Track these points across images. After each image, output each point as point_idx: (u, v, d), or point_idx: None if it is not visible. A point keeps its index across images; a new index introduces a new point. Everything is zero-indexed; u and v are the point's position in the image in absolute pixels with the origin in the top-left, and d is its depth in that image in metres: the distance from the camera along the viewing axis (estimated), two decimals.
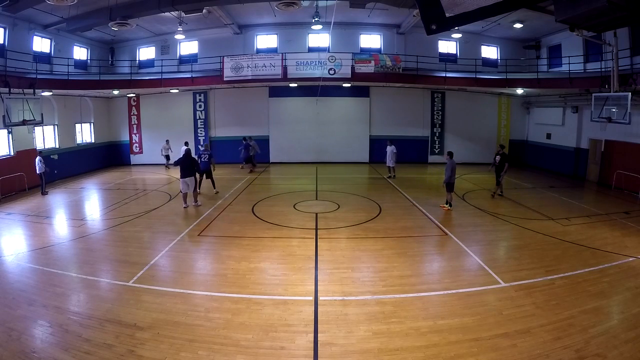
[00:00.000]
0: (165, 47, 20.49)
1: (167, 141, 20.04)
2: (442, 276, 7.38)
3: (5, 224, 10.63)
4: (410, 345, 5.05)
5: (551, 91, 17.53)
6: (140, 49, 21.03)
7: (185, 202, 12.07)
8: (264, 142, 21.42)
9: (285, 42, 19.85)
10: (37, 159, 14.18)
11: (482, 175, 18.01)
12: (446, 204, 11.93)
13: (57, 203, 13.31)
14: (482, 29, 18.45)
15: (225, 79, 17.57)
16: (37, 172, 14.14)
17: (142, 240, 9.40)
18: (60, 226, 10.73)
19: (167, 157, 19.81)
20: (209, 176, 14.20)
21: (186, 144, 17.84)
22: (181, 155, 12.46)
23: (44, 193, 14.32)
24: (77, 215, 11.74)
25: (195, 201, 12.34)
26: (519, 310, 5.83)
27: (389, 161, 17.05)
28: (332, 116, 21.30)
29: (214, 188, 14.30)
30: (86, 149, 19.58)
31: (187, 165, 11.92)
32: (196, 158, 13.11)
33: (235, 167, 20.29)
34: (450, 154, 11.98)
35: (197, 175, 12.52)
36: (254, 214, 11.46)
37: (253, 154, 19.43)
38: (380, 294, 6.47)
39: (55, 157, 16.69)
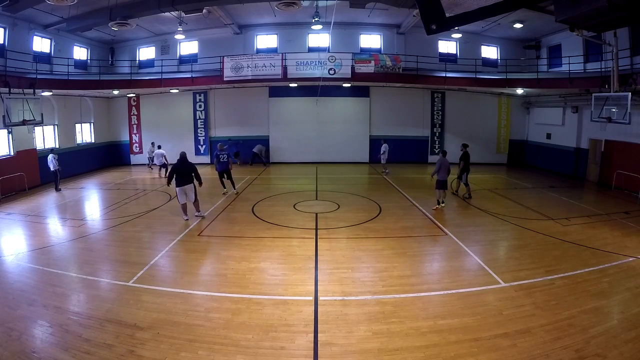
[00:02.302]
0: (165, 47, 20.49)
1: (152, 143, 19.88)
2: (442, 276, 7.38)
3: (5, 224, 10.62)
4: (410, 345, 5.05)
5: (551, 91, 17.53)
6: (140, 49, 21.04)
7: (186, 214, 10.76)
8: (264, 142, 21.45)
9: (285, 42, 19.86)
10: (50, 156, 14.32)
11: (482, 175, 18.02)
12: (438, 204, 11.95)
13: (57, 203, 13.30)
14: (482, 29, 18.45)
15: (225, 79, 17.57)
16: (52, 169, 14.33)
17: (142, 240, 9.40)
18: (60, 226, 10.72)
19: (152, 159, 19.78)
20: (229, 177, 13.81)
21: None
22: (175, 161, 11.02)
23: (58, 189, 14.49)
24: (77, 215, 11.73)
25: (198, 211, 10.94)
26: (519, 310, 5.83)
27: (383, 159, 17.98)
28: (332, 116, 21.30)
29: (234, 188, 14.11)
30: (86, 149, 19.58)
31: (184, 171, 10.58)
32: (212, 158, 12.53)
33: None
34: (444, 153, 12.10)
35: (197, 183, 10.92)
36: (254, 214, 11.45)
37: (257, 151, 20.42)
38: (380, 294, 6.47)
39: (56, 157, 16.67)
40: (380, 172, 18.26)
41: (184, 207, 10.76)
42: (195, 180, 10.82)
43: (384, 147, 18.00)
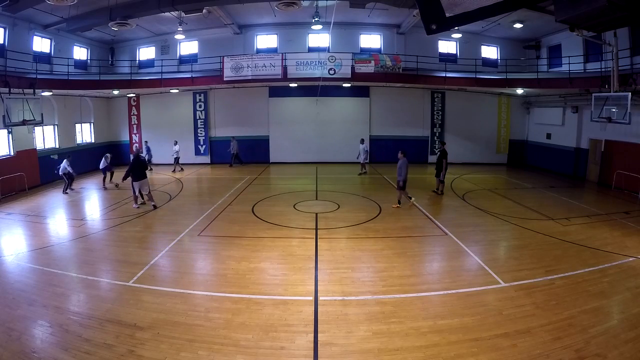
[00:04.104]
0: (165, 47, 20.50)
1: (176, 142, 19.57)
2: (442, 276, 7.38)
3: (5, 224, 10.62)
4: (410, 345, 5.05)
5: (551, 91, 17.53)
6: (140, 49, 21.04)
7: (137, 203, 12.18)
8: (264, 142, 21.47)
9: (285, 42, 19.86)
10: (65, 162, 14.44)
11: (482, 175, 18.06)
12: (399, 203, 12.18)
13: (57, 203, 13.30)
14: (482, 29, 18.45)
15: (225, 79, 17.58)
16: (60, 172, 14.44)
17: (142, 240, 9.41)
18: (60, 226, 10.72)
19: (177, 160, 19.35)
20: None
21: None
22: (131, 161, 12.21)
23: (65, 192, 14.46)
24: (77, 215, 11.74)
25: (153, 202, 12.20)
26: (519, 310, 5.83)
27: (361, 158, 18.17)
28: (332, 116, 21.30)
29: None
30: (86, 149, 19.57)
31: (142, 167, 12.08)
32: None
33: (234, 167, 20.33)
34: (404, 153, 12.11)
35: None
36: (254, 214, 11.46)
37: (235, 152, 20.44)
38: (380, 294, 6.47)
39: (55, 157, 16.68)
40: (358, 173, 18.20)
41: (137, 198, 12.24)
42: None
43: (364, 146, 18.04)
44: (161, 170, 19.38)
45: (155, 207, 12.09)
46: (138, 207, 12.06)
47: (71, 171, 14.51)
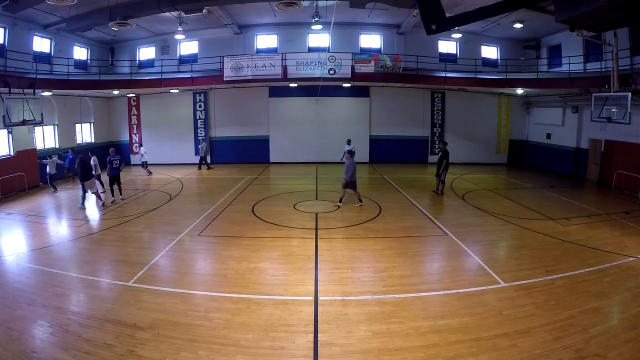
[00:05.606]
0: (165, 47, 20.50)
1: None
2: (442, 276, 7.38)
3: (5, 224, 10.63)
4: (410, 345, 5.05)
5: (551, 91, 17.54)
6: (140, 49, 21.05)
7: (102, 199, 12.72)
8: (264, 142, 21.47)
9: (285, 42, 19.87)
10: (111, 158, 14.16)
11: (482, 175, 18.05)
12: (339, 201, 12.26)
13: (57, 203, 13.30)
14: (482, 29, 18.46)
15: (225, 79, 17.58)
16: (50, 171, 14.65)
17: (142, 240, 9.41)
18: (60, 226, 10.73)
19: (145, 164, 18.72)
20: (119, 183, 13.44)
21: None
22: (75, 165, 13.22)
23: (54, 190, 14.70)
24: (77, 215, 11.74)
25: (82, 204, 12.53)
26: (519, 310, 5.83)
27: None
28: (332, 116, 21.31)
29: (121, 194, 13.50)
30: (86, 149, 19.54)
31: (87, 168, 12.70)
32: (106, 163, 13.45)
33: (234, 167, 20.33)
34: (352, 153, 12.24)
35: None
36: (254, 214, 11.45)
37: (204, 155, 19.98)
38: (380, 294, 6.47)
39: (56, 157, 16.65)
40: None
41: (100, 195, 12.81)
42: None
43: (351, 147, 17.41)
44: (161, 171, 19.36)
45: (82, 205, 12.43)
46: (112, 202, 12.72)
47: (48, 171, 14.51)
